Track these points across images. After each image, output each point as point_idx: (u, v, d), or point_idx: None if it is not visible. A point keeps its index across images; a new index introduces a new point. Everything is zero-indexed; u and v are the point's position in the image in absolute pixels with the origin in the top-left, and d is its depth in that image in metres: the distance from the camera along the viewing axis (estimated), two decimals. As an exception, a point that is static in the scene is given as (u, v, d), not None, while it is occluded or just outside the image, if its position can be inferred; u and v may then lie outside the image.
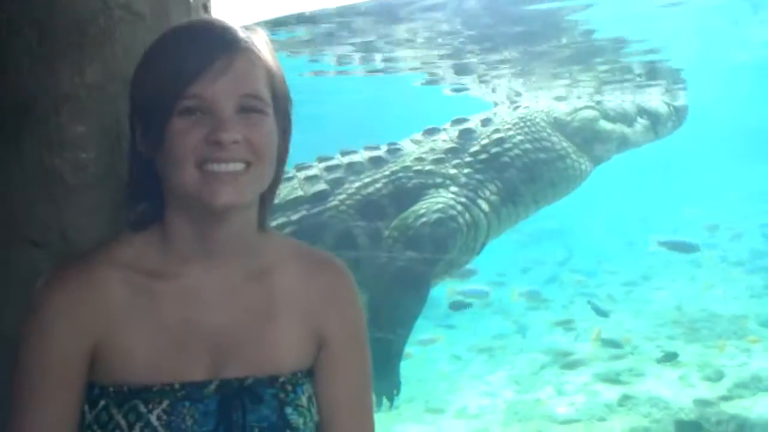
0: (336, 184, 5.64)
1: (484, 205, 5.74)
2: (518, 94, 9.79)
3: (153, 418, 1.60)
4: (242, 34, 1.62)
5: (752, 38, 9.61)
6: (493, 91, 9.85)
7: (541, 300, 12.36)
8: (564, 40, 7.87)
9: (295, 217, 5.48)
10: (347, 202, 5.57)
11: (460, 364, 11.21)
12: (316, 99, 11.95)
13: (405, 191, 5.65)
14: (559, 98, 7.36)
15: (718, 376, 9.16)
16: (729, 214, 18.06)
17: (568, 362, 10.32)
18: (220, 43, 1.59)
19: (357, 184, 5.65)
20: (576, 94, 9.48)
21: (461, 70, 9.11)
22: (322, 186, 5.61)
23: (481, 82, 9.67)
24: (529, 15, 6.91)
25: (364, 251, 5.43)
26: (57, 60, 2.04)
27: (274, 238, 1.80)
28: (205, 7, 2.28)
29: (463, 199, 5.65)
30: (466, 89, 10.18)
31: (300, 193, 5.56)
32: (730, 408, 8.11)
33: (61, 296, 1.64)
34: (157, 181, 1.66)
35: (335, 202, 5.55)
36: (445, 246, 5.51)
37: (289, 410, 1.67)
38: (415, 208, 5.56)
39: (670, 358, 9.49)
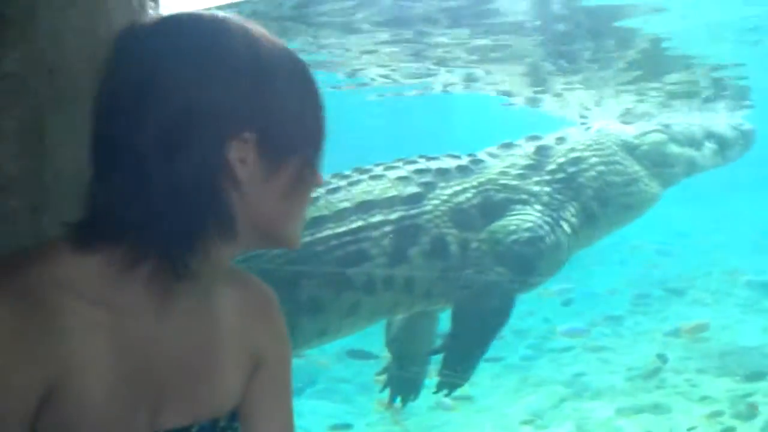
0: (428, 188, 5.60)
1: (566, 227, 5.66)
2: (587, 109, 9.59)
3: None
4: None
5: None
6: (561, 99, 9.59)
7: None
8: (633, 54, 7.78)
9: (393, 216, 5.43)
10: (441, 208, 5.52)
11: (472, 395, 10.75)
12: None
13: (493, 204, 5.60)
14: (626, 112, 7.23)
15: (751, 414, 8.68)
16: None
17: (590, 395, 9.88)
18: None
19: (448, 192, 5.59)
20: (642, 109, 9.26)
21: (536, 83, 8.91)
22: (415, 188, 5.56)
23: (554, 95, 9.45)
24: (606, 29, 6.88)
25: (453, 261, 5.38)
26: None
27: None
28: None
29: (548, 219, 5.59)
30: (538, 105, 9.96)
31: (394, 192, 5.51)
32: (765, 448, 7.67)
33: (10, 324, 1.25)
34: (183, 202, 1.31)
35: (429, 207, 5.51)
36: (534, 267, 5.44)
37: None
38: (503, 222, 5.49)
39: None
